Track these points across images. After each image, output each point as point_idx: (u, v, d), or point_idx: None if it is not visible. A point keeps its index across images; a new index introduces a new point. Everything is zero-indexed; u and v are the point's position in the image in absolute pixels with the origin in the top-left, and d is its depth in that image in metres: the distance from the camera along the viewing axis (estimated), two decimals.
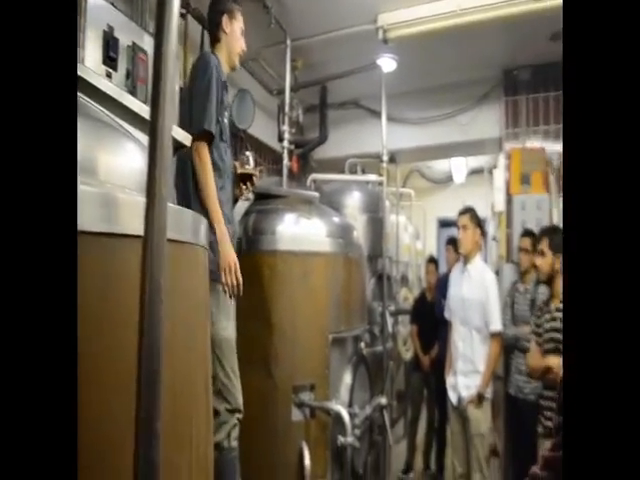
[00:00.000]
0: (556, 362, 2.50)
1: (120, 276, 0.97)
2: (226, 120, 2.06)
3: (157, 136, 0.87)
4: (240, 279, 1.89)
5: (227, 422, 1.82)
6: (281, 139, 3.42)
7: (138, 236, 0.86)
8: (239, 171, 2.19)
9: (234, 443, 1.82)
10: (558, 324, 2.60)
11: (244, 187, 2.24)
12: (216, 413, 1.76)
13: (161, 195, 0.88)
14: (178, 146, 2.05)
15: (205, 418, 1.29)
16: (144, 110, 1.46)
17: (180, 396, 1.15)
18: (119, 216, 0.96)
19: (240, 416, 1.86)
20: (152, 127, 0.87)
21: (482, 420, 3.03)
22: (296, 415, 2.17)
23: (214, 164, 1.96)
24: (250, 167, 2.22)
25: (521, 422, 3.21)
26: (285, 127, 3.42)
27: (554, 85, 4.42)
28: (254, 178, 2.24)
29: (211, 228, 1.84)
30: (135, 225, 0.86)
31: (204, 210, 1.86)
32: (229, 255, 1.87)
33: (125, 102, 1.44)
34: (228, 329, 1.90)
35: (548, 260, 2.69)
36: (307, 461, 2.06)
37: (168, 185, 0.88)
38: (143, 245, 0.87)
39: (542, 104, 4.49)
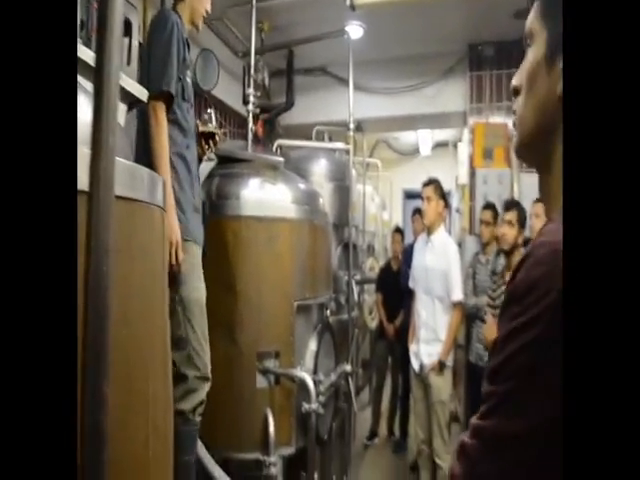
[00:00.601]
0: None
1: None
2: (189, 79, 1.95)
3: (103, 82, 0.79)
4: (180, 257, 1.75)
5: (195, 391, 1.74)
6: (246, 102, 3.28)
7: (84, 192, 0.78)
8: (200, 129, 2.08)
9: (198, 419, 1.76)
10: None
11: (206, 146, 2.13)
12: (184, 378, 1.71)
13: (107, 146, 0.80)
14: (134, 101, 1.92)
15: (163, 384, 1.23)
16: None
17: (135, 359, 1.09)
18: None
19: (208, 386, 1.79)
20: (97, 73, 0.78)
21: (443, 387, 3.06)
22: (260, 382, 2.13)
23: (178, 124, 1.86)
24: (212, 126, 2.12)
25: (481, 389, 3.26)
26: (250, 90, 3.28)
27: (517, 63, 4.37)
28: (216, 137, 2.14)
29: None
30: (82, 180, 0.78)
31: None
32: (173, 231, 1.74)
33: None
34: (200, 290, 1.83)
35: (514, 232, 2.70)
36: (271, 428, 2.03)
37: (116, 136, 0.80)
38: (88, 199, 0.79)
39: (505, 80, 4.48)
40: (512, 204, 2.82)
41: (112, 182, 0.81)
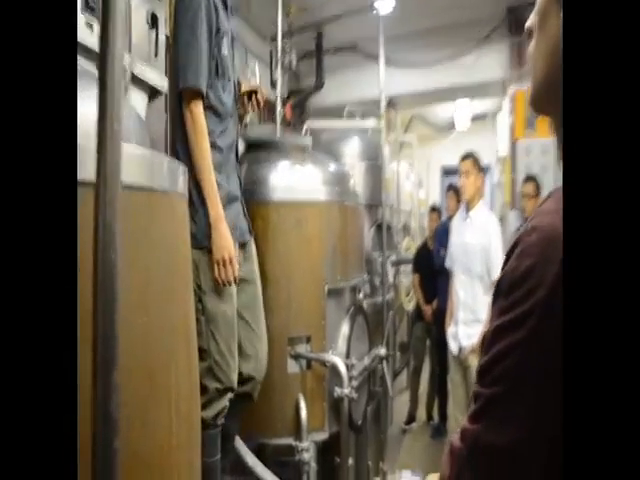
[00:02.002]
0: None
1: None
2: (225, 50, 1.77)
3: (106, 67, 0.77)
4: (236, 273, 1.67)
5: (216, 401, 1.69)
6: (274, 86, 3.27)
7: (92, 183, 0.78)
8: (242, 89, 1.97)
9: (219, 422, 1.72)
10: None
11: (248, 104, 2.03)
12: (205, 389, 1.66)
13: (112, 132, 0.79)
14: (154, 92, 1.92)
15: (187, 372, 1.24)
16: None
17: (156, 347, 1.09)
18: None
19: (232, 395, 1.74)
20: (101, 58, 0.77)
21: None
22: (292, 367, 2.13)
23: (211, 108, 1.72)
24: (255, 81, 2.06)
25: None
26: (278, 73, 3.26)
27: None
28: (260, 95, 2.02)
29: (203, 206, 1.65)
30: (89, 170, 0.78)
31: (196, 184, 1.63)
32: (224, 245, 1.63)
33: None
34: (225, 304, 1.71)
35: None
36: (303, 413, 2.03)
37: (121, 123, 0.79)
38: (95, 188, 0.78)
39: None
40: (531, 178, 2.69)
41: (118, 168, 0.79)
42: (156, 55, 2.43)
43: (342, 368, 2.11)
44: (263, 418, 2.07)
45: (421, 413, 4.33)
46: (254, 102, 2.01)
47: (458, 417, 3.15)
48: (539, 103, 0.63)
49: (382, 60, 3.39)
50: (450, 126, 6.75)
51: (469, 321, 3.07)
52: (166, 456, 1.09)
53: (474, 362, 2.99)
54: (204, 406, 1.65)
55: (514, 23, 4.34)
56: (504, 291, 0.52)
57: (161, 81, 1.85)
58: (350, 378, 2.15)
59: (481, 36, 4.47)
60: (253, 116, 2.30)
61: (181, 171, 1.29)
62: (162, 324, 1.12)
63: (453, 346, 3.13)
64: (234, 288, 1.75)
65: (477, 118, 6.43)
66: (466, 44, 4.50)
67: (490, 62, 4.49)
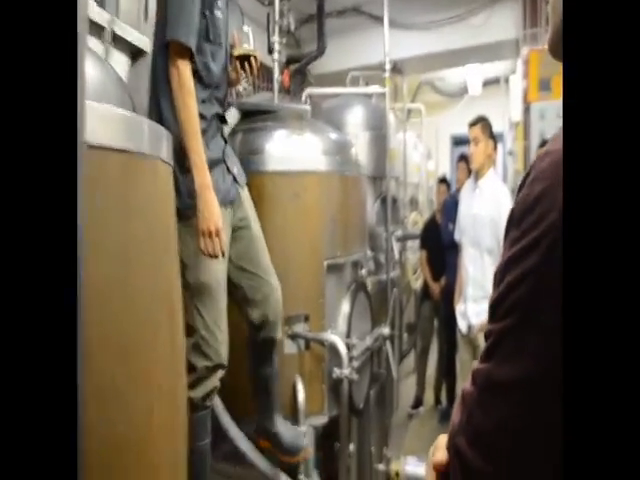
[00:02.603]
0: None
1: None
2: (218, 12, 1.69)
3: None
4: (224, 246, 1.61)
5: (206, 379, 1.66)
6: (271, 51, 3.15)
7: None
8: (235, 53, 1.84)
9: (209, 403, 1.70)
10: None
11: (242, 72, 1.87)
12: (193, 368, 1.63)
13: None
14: (136, 51, 1.84)
15: (170, 350, 1.19)
16: None
17: (134, 322, 1.04)
18: None
19: (223, 372, 1.71)
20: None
21: None
22: (289, 347, 2.09)
23: (196, 74, 1.63)
24: (248, 47, 1.87)
25: None
26: (275, 37, 3.13)
27: None
28: (253, 60, 1.86)
29: (187, 172, 1.58)
30: None
31: (181, 149, 1.55)
32: (210, 216, 1.56)
33: None
34: (209, 276, 1.66)
35: None
36: (301, 396, 1.99)
37: (84, 79, 0.73)
38: None
39: None
40: None
41: (82, 126, 0.73)
42: (146, 19, 2.34)
43: (342, 348, 2.07)
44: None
45: (428, 397, 4.30)
46: (248, 68, 1.88)
47: None
48: (558, 48, 0.59)
49: (386, 21, 3.28)
50: (460, 92, 6.59)
51: (479, 298, 3.01)
52: (145, 438, 1.05)
53: (483, 341, 2.93)
54: (192, 385, 1.63)
55: None
56: (516, 221, 0.51)
57: (144, 40, 1.76)
58: (350, 358, 2.11)
59: None
60: (248, 84, 2.18)
61: (165, 136, 1.23)
62: (143, 297, 1.08)
63: (462, 324, 3.08)
64: (220, 258, 1.68)
65: (489, 83, 6.27)
66: (475, 3, 4.34)
67: (501, 22, 4.34)
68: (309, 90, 3.56)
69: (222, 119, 1.83)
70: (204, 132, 1.68)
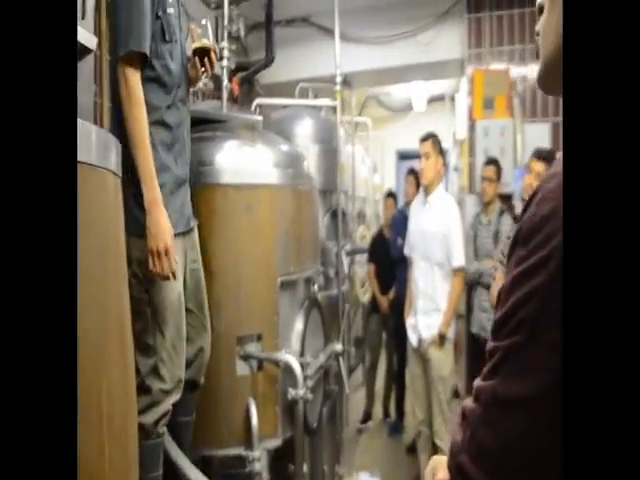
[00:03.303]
0: None
1: None
2: (171, 10, 1.63)
3: None
4: (173, 267, 1.55)
5: (160, 403, 1.59)
6: (220, 57, 3.07)
7: None
8: (193, 46, 1.76)
9: (161, 430, 1.62)
10: None
11: (201, 68, 1.81)
12: (147, 390, 1.56)
13: None
14: (83, 49, 1.73)
15: (122, 381, 1.10)
16: None
17: (84, 347, 0.94)
18: None
19: (177, 397, 1.64)
20: None
21: (444, 362, 2.97)
22: (241, 369, 2.00)
23: (157, 79, 1.61)
24: (207, 41, 1.79)
25: (484, 361, 3.19)
26: (224, 43, 3.06)
27: (519, 2, 4.19)
28: (212, 54, 1.80)
29: (137, 189, 1.53)
30: None
31: (132, 161, 1.51)
32: (159, 233, 1.50)
33: None
34: (172, 295, 1.62)
35: None
36: (254, 419, 1.91)
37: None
38: None
39: (507, 22, 4.27)
40: (541, 154, 2.64)
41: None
42: (83, 17, 2.22)
43: (297, 368, 2.01)
44: (209, 427, 1.94)
45: (377, 411, 4.29)
46: (207, 63, 1.81)
47: (417, 412, 3.13)
48: (548, 82, 0.63)
49: (337, 33, 3.27)
50: (406, 108, 6.71)
51: (429, 310, 3.03)
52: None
53: (434, 354, 2.96)
54: (144, 410, 1.55)
55: (472, 0, 4.31)
56: (523, 239, 0.52)
57: (88, 37, 1.66)
58: (305, 378, 2.05)
59: (439, 12, 4.40)
60: (208, 80, 2.08)
61: (115, 145, 1.14)
62: (91, 318, 0.98)
63: (412, 338, 3.09)
64: (180, 279, 1.65)
65: (434, 100, 6.42)
66: (424, 20, 4.43)
67: (448, 41, 4.43)
68: (259, 100, 3.50)
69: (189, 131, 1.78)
70: (172, 145, 1.64)
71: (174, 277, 1.57)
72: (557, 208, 0.48)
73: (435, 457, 0.66)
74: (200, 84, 1.99)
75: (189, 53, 1.81)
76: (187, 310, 1.77)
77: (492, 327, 0.56)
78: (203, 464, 1.85)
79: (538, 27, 0.63)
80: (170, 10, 1.64)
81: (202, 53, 1.78)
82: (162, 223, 1.52)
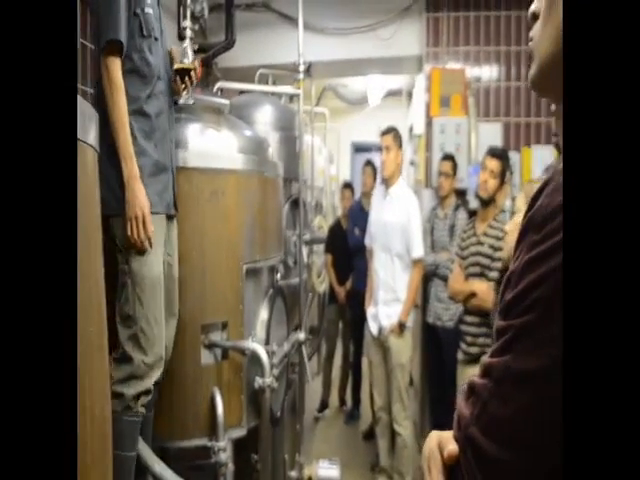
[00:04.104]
0: (482, 287, 2.48)
1: None
2: (149, 9, 1.74)
3: None
4: (150, 233, 1.63)
5: (141, 378, 1.60)
6: (182, 37, 2.94)
7: None
8: (175, 67, 1.88)
9: (141, 409, 1.60)
10: (485, 249, 2.57)
11: (182, 86, 1.93)
12: (129, 360, 1.58)
13: None
14: None
15: (99, 365, 1.03)
16: None
17: None
18: None
19: (157, 374, 1.65)
20: None
21: (403, 350, 3.00)
22: (206, 358, 1.93)
23: (135, 71, 1.70)
24: (187, 61, 1.91)
25: (439, 350, 3.24)
26: (187, 23, 2.94)
27: (476, 4, 4.26)
28: (193, 74, 1.93)
29: (118, 169, 1.61)
30: None
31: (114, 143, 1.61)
32: (136, 203, 1.59)
33: None
34: (153, 267, 1.68)
35: (494, 181, 2.61)
36: (220, 409, 1.85)
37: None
38: None
39: (463, 24, 4.32)
40: (496, 153, 2.69)
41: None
42: None
43: (264, 356, 1.96)
44: (173, 418, 1.86)
45: (333, 399, 4.30)
46: (187, 81, 1.94)
47: (377, 399, 3.14)
48: (542, 85, 0.67)
49: (301, 21, 3.21)
50: (362, 101, 6.70)
51: (389, 300, 3.05)
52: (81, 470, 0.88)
53: (394, 343, 2.98)
54: (124, 380, 1.57)
55: (431, 1, 4.34)
56: (536, 226, 0.54)
57: None
58: (272, 366, 2.00)
59: (400, 8, 4.40)
60: (188, 97, 2.13)
61: (94, 119, 1.05)
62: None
63: (373, 327, 3.10)
64: (160, 260, 1.71)
65: (390, 94, 6.45)
66: (386, 15, 4.41)
67: (407, 37, 4.44)
68: (221, 84, 3.39)
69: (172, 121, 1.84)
70: (151, 133, 1.71)
71: (150, 246, 1.64)
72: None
73: (435, 432, 0.66)
74: (181, 100, 2.09)
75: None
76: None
77: (502, 307, 0.57)
78: (167, 456, 1.77)
79: (532, 33, 0.66)
80: (147, 9, 1.74)
81: (183, 72, 1.92)
82: (139, 195, 1.60)
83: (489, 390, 0.55)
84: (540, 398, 0.51)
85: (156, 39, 1.78)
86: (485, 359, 0.57)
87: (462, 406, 0.59)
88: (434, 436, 0.66)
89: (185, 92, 1.99)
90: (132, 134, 1.64)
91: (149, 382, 1.63)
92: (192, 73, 1.93)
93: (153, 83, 1.75)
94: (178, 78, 1.92)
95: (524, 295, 0.53)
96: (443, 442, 0.62)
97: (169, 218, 1.81)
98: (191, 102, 2.16)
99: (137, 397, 1.59)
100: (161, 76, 1.80)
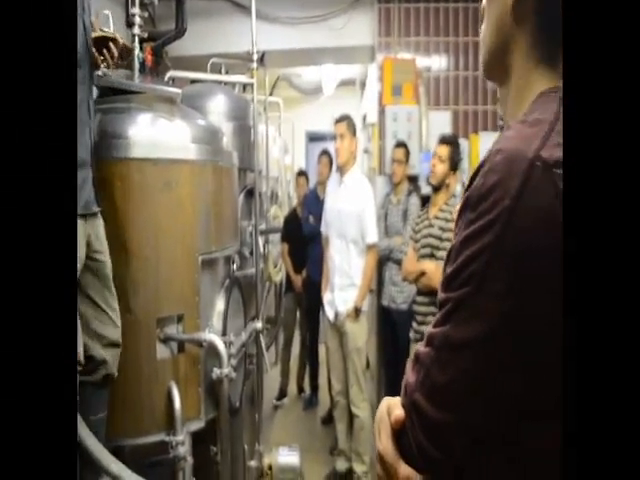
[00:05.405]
0: (431, 267, 2.53)
1: None
2: None
3: None
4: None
5: (105, 363, 1.60)
6: (130, 24, 2.81)
7: None
8: (94, 35, 1.67)
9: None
10: (435, 230, 2.60)
11: (100, 58, 1.73)
12: (89, 358, 1.55)
13: None
14: None
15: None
16: None
17: None
18: None
19: (118, 350, 1.64)
20: None
21: (359, 334, 3.01)
22: (162, 352, 1.87)
23: None
24: (108, 30, 1.75)
25: (394, 332, 3.28)
26: (136, 9, 2.80)
27: None
28: (111, 43, 1.73)
29: None
30: None
31: None
32: None
33: None
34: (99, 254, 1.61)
35: (444, 167, 2.64)
36: (177, 403, 1.79)
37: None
38: None
39: (413, 14, 4.34)
40: (446, 139, 2.73)
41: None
42: None
43: (221, 346, 1.92)
44: (128, 415, 1.79)
45: (291, 387, 4.28)
46: (107, 54, 1.74)
47: (335, 384, 3.15)
48: (488, 72, 0.73)
49: (254, 11, 3.13)
50: (316, 90, 6.65)
51: (345, 286, 3.06)
52: None
53: (350, 327, 2.99)
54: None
55: None
56: (471, 205, 0.57)
57: None
58: (229, 356, 1.96)
59: None
60: (108, 69, 1.95)
61: None
62: None
63: (329, 312, 3.10)
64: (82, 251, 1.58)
65: (343, 84, 6.42)
66: (338, 5, 4.38)
67: (359, 27, 4.43)
68: (172, 73, 3.27)
69: (90, 113, 1.65)
70: None
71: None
72: (502, 179, 0.53)
73: (387, 398, 0.69)
74: (99, 72, 1.84)
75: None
76: (92, 302, 1.66)
77: (442, 281, 0.60)
78: (123, 454, 1.71)
79: (481, 28, 0.72)
80: None
81: (101, 42, 1.72)
82: None
83: (431, 358, 0.58)
84: (475, 364, 0.55)
85: (82, 15, 1.57)
86: (428, 329, 0.60)
87: (409, 374, 0.62)
88: (384, 402, 0.69)
89: (104, 65, 1.78)
90: None
91: (114, 352, 1.64)
92: (112, 44, 1.73)
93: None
94: (95, 50, 1.71)
95: (461, 269, 0.56)
96: (391, 407, 0.65)
97: (90, 216, 1.64)
98: (103, 76, 1.91)
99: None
100: (82, 64, 1.59)
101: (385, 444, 0.63)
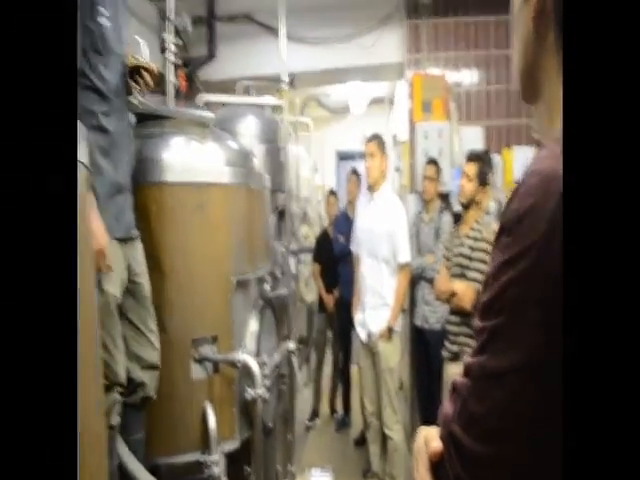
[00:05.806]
0: (461, 287, 2.51)
1: None
2: (104, 20, 1.60)
3: None
4: (110, 262, 1.52)
5: (144, 385, 1.63)
6: (164, 49, 2.94)
7: None
8: (129, 64, 1.74)
9: (116, 419, 1.57)
10: (465, 250, 2.60)
11: (136, 86, 1.78)
12: (129, 381, 1.58)
13: None
14: None
15: (93, 390, 1.02)
16: None
17: None
18: None
19: (121, 390, 1.61)
20: None
21: (392, 354, 3.01)
22: (197, 372, 1.92)
23: (92, 87, 1.59)
24: (142, 59, 1.78)
25: (427, 352, 3.26)
26: (170, 37, 2.93)
27: (454, 10, 4.32)
28: (143, 72, 1.77)
29: None
30: None
31: None
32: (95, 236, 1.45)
33: None
34: (106, 295, 1.57)
35: (471, 185, 2.64)
36: (212, 423, 1.84)
37: None
38: None
39: (443, 29, 4.38)
40: (472, 157, 2.72)
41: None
42: None
43: (255, 367, 1.96)
44: (165, 434, 1.84)
45: (323, 408, 4.29)
46: (142, 83, 1.79)
47: (367, 405, 3.14)
48: (525, 94, 0.70)
49: (284, 33, 3.23)
50: (344, 109, 6.74)
51: (377, 306, 3.06)
52: None
53: (382, 347, 2.99)
54: None
55: (411, 6, 4.38)
56: (507, 230, 0.56)
57: None
58: (263, 377, 2.00)
59: (381, 16, 4.45)
60: (142, 96, 2.03)
61: (83, 134, 1.05)
62: None
63: (361, 333, 3.10)
64: (116, 286, 1.60)
65: (373, 102, 6.49)
66: (366, 23, 4.46)
67: (388, 45, 4.49)
68: (204, 97, 3.39)
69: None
70: (109, 151, 1.61)
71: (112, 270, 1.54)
72: (538, 202, 0.52)
73: (424, 427, 0.68)
74: (134, 100, 1.91)
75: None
76: (131, 324, 1.72)
77: (479, 308, 0.59)
78: (160, 473, 1.76)
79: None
80: (103, 21, 1.60)
81: (134, 70, 1.77)
82: (97, 225, 1.46)
83: (468, 388, 0.58)
84: (512, 395, 0.53)
85: (113, 53, 1.65)
86: (466, 359, 0.59)
87: (446, 405, 0.61)
88: (422, 432, 0.69)
89: (139, 92, 1.84)
90: (90, 151, 1.52)
91: (114, 395, 1.58)
92: (144, 73, 1.77)
93: (112, 99, 1.65)
94: (130, 78, 1.78)
95: (496, 297, 0.56)
96: (428, 439, 0.64)
97: (130, 240, 1.72)
98: (136, 102, 1.96)
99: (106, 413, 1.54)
100: (120, 93, 1.69)
101: (423, 476, 0.63)
